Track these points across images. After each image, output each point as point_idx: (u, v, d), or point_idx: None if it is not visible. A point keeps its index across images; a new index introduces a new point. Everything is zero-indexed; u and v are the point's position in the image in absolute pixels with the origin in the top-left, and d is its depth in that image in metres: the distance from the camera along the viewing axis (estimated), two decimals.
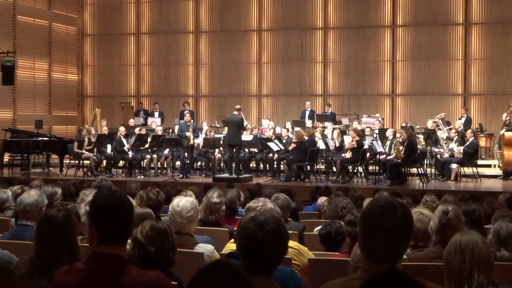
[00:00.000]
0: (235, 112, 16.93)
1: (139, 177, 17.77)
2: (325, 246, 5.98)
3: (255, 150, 18.39)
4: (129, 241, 3.83)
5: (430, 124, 18.94)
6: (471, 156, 17.00)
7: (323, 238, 6.01)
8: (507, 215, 6.47)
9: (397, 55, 23.07)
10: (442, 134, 18.35)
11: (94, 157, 17.89)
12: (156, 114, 22.41)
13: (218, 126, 21.22)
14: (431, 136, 18.14)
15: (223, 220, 6.67)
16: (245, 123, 18.06)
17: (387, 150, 17.22)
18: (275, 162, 17.80)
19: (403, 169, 16.33)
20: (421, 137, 18.22)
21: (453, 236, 3.82)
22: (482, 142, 19.82)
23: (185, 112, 19.24)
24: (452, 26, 22.56)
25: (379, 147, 16.85)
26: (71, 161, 18.85)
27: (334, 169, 17.37)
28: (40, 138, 19.51)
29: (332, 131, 18.83)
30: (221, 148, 18.19)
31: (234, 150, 16.72)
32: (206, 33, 24.88)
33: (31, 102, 23.45)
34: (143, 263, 3.87)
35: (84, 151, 17.99)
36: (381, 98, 23.26)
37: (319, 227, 6.29)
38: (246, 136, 17.89)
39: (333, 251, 5.81)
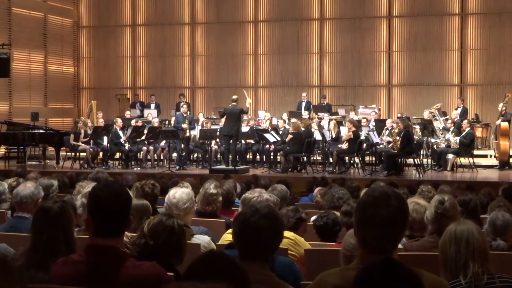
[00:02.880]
0: (234, 103, 16.89)
1: (135, 169, 17.75)
2: (321, 237, 5.98)
3: (252, 141, 18.39)
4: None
5: (426, 115, 18.97)
6: (467, 146, 17.01)
7: (320, 229, 6.00)
8: (503, 205, 6.47)
9: (393, 45, 23.06)
10: (438, 124, 18.36)
11: (91, 149, 17.87)
12: (153, 106, 22.38)
13: (215, 117, 21.19)
14: (427, 127, 18.15)
15: (219, 211, 6.68)
16: (247, 104, 17.98)
17: (384, 137, 17.29)
18: (272, 153, 17.81)
19: (399, 159, 16.35)
20: (417, 127, 18.24)
21: (448, 226, 3.84)
22: (478, 133, 19.83)
23: (182, 104, 19.21)
24: (448, 16, 22.55)
25: (375, 138, 16.87)
26: (68, 154, 18.83)
27: (331, 160, 17.38)
28: (36, 131, 19.46)
29: (329, 122, 18.82)
30: (217, 140, 18.18)
31: (231, 141, 16.71)
32: (202, 24, 24.83)
33: (27, 94, 23.39)
34: (142, 254, 3.86)
35: (80, 143, 17.97)
36: (378, 88, 23.26)
37: (314, 217, 6.29)
38: (243, 128, 17.88)
39: (330, 241, 5.82)
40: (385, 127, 17.88)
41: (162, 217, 4.07)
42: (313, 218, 6.32)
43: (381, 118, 19.96)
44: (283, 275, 3.60)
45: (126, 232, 3.81)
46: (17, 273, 3.55)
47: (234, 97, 17.28)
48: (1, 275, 3.10)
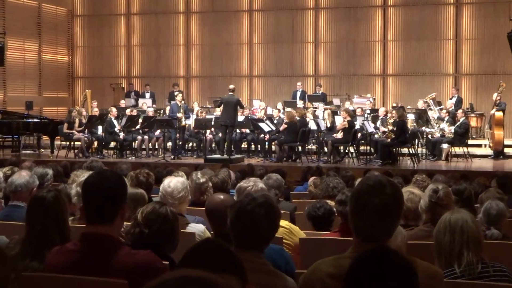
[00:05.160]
0: (231, 93, 16.85)
1: (130, 158, 17.74)
2: (316, 226, 5.98)
3: (247, 130, 18.38)
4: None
5: (420, 104, 19.00)
6: (461, 136, 17.04)
7: (315, 219, 5.99)
8: (499, 197, 6.47)
9: (388, 35, 23.04)
10: (433, 114, 18.39)
11: (85, 138, 17.84)
12: (147, 95, 22.35)
13: (209, 107, 21.17)
14: (422, 116, 18.16)
15: None
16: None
17: (377, 125, 17.32)
18: (267, 143, 17.80)
19: (394, 149, 16.37)
20: (412, 118, 18.24)
21: (443, 215, 3.85)
22: (473, 122, 19.86)
23: (176, 93, 19.19)
24: (443, 6, 22.55)
25: (370, 128, 16.88)
26: (62, 143, 18.79)
27: (326, 149, 17.39)
28: (30, 120, 19.42)
29: (323, 112, 18.83)
30: (212, 129, 18.17)
31: (227, 130, 16.68)
32: (196, 13, 24.77)
33: (21, 83, 23.33)
34: (136, 243, 3.86)
35: (74, 131, 17.90)
36: (372, 78, 23.25)
37: (308, 207, 6.27)
38: (238, 117, 17.86)
39: (324, 230, 5.82)
40: (379, 116, 17.90)
41: (155, 205, 4.08)
42: (306, 208, 6.31)
43: (376, 107, 19.95)
44: (275, 262, 3.62)
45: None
46: (12, 262, 3.56)
47: (231, 86, 17.24)
48: None
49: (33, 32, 23.82)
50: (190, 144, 18.95)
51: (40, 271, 3.56)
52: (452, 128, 17.10)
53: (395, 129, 16.24)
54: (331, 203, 6.13)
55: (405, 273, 2.10)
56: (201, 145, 18.37)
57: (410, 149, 16.57)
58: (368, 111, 18.72)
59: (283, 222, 5.22)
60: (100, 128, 18.31)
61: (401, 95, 22.72)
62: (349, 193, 5.08)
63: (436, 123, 17.88)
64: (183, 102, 18.09)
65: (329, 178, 7.62)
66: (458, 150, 17.38)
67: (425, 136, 17.82)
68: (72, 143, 18.25)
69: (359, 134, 17.09)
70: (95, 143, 18.35)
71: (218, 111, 18.09)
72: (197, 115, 18.57)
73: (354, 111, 18.01)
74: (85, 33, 25.78)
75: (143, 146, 18.47)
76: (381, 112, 18.15)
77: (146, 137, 18.30)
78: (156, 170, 9.40)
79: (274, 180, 7.25)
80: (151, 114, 18.68)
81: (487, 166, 16.27)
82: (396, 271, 2.08)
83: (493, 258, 3.86)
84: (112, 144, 18.59)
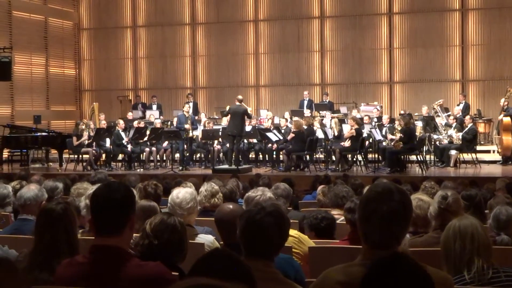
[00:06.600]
0: (238, 103, 16.86)
1: (138, 170, 17.76)
2: (319, 236, 5.94)
3: (254, 140, 18.38)
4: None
5: (425, 111, 19.06)
6: (470, 142, 16.99)
7: (318, 231, 5.96)
8: (510, 202, 6.45)
9: (394, 42, 23.04)
10: (440, 120, 18.35)
11: (94, 151, 17.88)
12: (154, 107, 22.38)
13: (217, 117, 21.19)
14: (429, 123, 18.13)
15: None
16: (249, 109, 18.05)
17: (383, 133, 17.30)
18: (274, 152, 17.80)
19: (402, 156, 16.33)
20: (419, 125, 18.20)
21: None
22: (481, 128, 19.81)
23: (184, 103, 19.23)
24: (449, 12, 22.54)
25: (378, 135, 16.85)
26: (70, 156, 18.84)
27: (333, 158, 17.37)
28: (38, 133, 19.48)
29: (331, 120, 18.82)
30: (220, 139, 18.17)
31: (235, 141, 16.69)
32: (202, 24, 24.83)
33: (29, 97, 23.41)
34: (146, 254, 3.87)
35: (83, 140, 17.90)
36: (379, 86, 23.24)
37: (307, 218, 6.22)
38: (246, 127, 17.87)
39: (326, 238, 5.81)
40: (383, 124, 17.86)
41: (163, 216, 4.08)
42: (305, 219, 6.27)
43: (383, 115, 19.92)
44: (284, 271, 3.61)
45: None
46: (22, 275, 3.56)
47: (239, 97, 17.26)
48: (7, 276, 3.11)
49: (40, 46, 23.92)
50: (198, 155, 18.96)
51: (50, 284, 3.56)
52: (460, 134, 17.06)
53: (402, 136, 16.20)
54: (340, 211, 6.10)
55: (421, 280, 2.09)
56: (209, 156, 18.38)
57: (418, 156, 16.53)
58: (375, 119, 18.69)
59: (292, 231, 5.21)
60: (108, 140, 18.35)
61: (408, 102, 22.70)
62: (357, 201, 5.07)
63: (444, 130, 17.84)
64: (190, 113, 18.10)
65: (338, 186, 7.59)
66: (467, 156, 17.32)
67: (433, 142, 17.78)
68: (80, 156, 18.29)
69: (367, 142, 17.07)
70: (103, 155, 18.38)
71: (225, 121, 18.11)
72: (205, 126, 18.59)
73: (362, 119, 17.99)
74: (92, 46, 25.88)
75: (151, 158, 18.50)
76: (385, 120, 18.14)
77: (154, 148, 18.34)
78: (164, 181, 9.40)
79: (282, 189, 7.26)
80: (158, 125, 18.71)
81: (495, 172, 16.22)
82: (412, 279, 2.08)
83: (503, 264, 3.84)
84: (120, 157, 18.63)
